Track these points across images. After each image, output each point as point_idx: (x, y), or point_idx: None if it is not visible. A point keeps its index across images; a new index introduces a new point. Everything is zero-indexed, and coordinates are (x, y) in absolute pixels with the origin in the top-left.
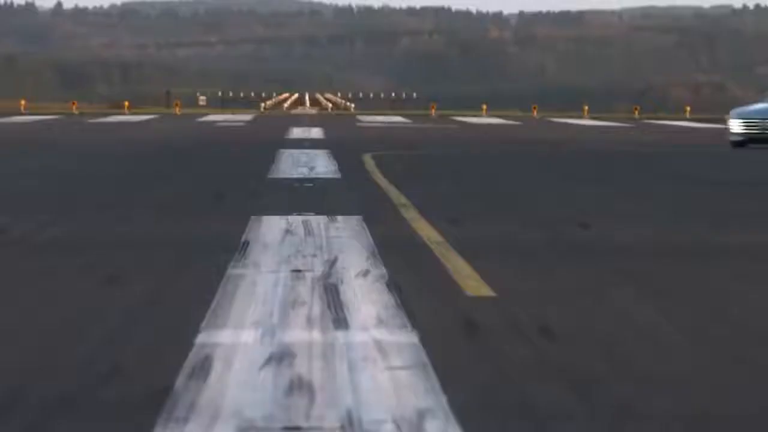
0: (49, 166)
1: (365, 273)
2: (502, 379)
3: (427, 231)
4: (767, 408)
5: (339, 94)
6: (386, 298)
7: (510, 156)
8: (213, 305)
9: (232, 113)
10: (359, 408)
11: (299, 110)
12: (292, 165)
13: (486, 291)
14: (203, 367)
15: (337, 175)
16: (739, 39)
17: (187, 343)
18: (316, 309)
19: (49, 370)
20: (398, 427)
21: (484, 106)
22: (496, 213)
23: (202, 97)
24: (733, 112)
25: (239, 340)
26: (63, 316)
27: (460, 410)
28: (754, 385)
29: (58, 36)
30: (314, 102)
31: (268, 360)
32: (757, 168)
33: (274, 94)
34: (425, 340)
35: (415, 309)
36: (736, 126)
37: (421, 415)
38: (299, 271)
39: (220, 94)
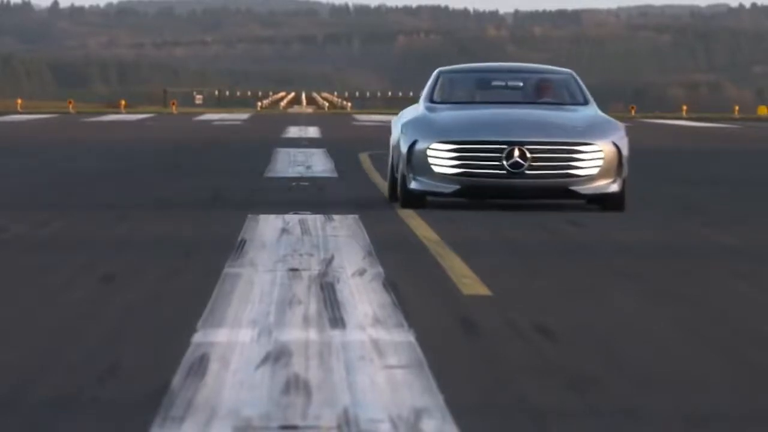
0: (48, 164)
1: (362, 272)
2: (499, 378)
3: (423, 230)
4: (766, 409)
5: (336, 93)
6: (383, 297)
7: None
8: (209, 304)
9: (229, 112)
10: (356, 407)
11: (296, 109)
12: (288, 164)
13: (482, 290)
14: (200, 366)
15: (334, 174)
16: (735, 38)
17: (183, 342)
18: (313, 308)
19: (47, 368)
20: (395, 425)
21: None
22: (493, 212)
23: (199, 96)
24: (418, 126)
25: (236, 338)
26: (60, 315)
27: (456, 409)
28: (753, 386)
29: (54, 35)
30: (311, 101)
31: (265, 359)
32: None
33: (271, 93)
34: (422, 339)
35: (411, 308)
36: (441, 158)
37: (418, 414)
38: (296, 269)
39: (216, 93)
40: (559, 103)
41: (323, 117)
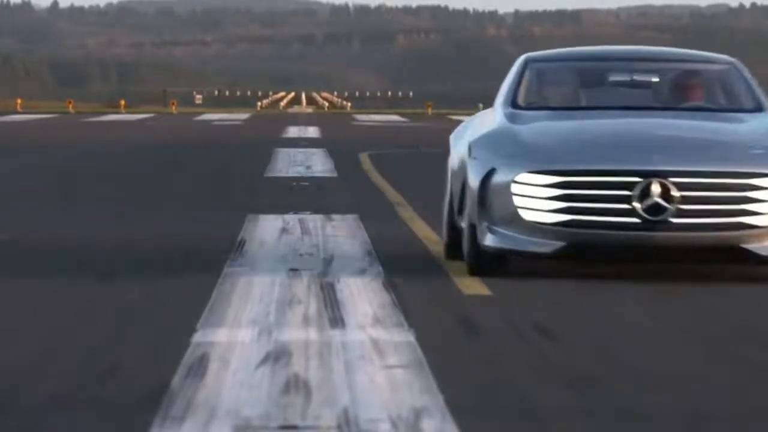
0: (48, 164)
1: (362, 272)
2: (499, 378)
3: (423, 230)
4: (765, 409)
5: (335, 93)
6: (383, 297)
7: None
8: (209, 304)
9: (229, 112)
10: (356, 407)
11: (296, 109)
12: (288, 163)
13: (482, 290)
14: (200, 366)
15: (334, 174)
16: (735, 38)
17: (183, 342)
18: (313, 308)
19: (47, 369)
20: (395, 425)
21: (481, 105)
22: None
23: (199, 96)
24: (497, 144)
25: (236, 338)
26: (60, 315)
27: (456, 409)
28: (753, 385)
29: (54, 35)
30: (311, 101)
31: (265, 359)
32: None
33: (271, 93)
34: (422, 339)
35: (411, 308)
36: (535, 197)
37: (418, 414)
38: (296, 269)
39: (216, 93)
40: (717, 110)
41: (323, 117)
